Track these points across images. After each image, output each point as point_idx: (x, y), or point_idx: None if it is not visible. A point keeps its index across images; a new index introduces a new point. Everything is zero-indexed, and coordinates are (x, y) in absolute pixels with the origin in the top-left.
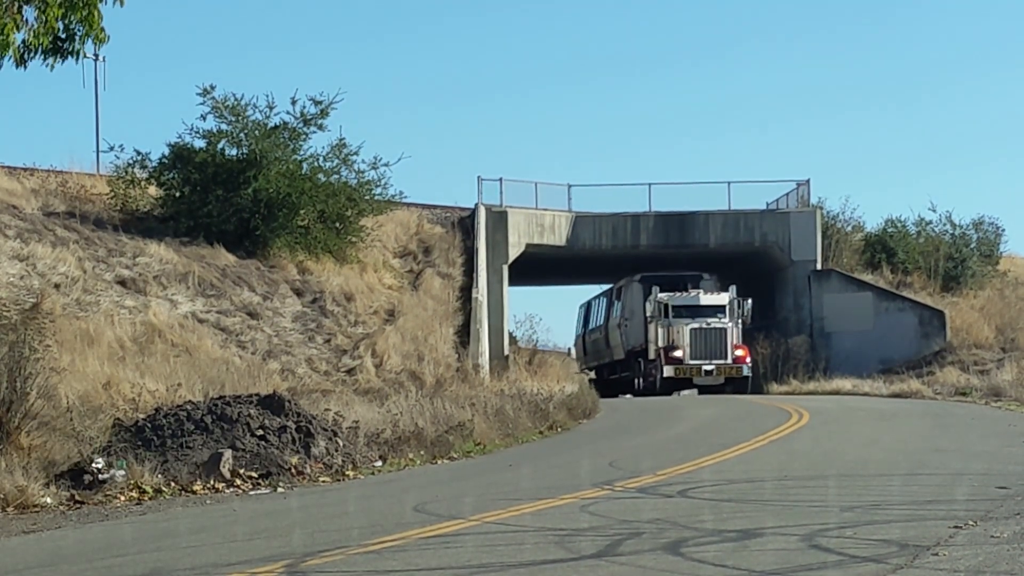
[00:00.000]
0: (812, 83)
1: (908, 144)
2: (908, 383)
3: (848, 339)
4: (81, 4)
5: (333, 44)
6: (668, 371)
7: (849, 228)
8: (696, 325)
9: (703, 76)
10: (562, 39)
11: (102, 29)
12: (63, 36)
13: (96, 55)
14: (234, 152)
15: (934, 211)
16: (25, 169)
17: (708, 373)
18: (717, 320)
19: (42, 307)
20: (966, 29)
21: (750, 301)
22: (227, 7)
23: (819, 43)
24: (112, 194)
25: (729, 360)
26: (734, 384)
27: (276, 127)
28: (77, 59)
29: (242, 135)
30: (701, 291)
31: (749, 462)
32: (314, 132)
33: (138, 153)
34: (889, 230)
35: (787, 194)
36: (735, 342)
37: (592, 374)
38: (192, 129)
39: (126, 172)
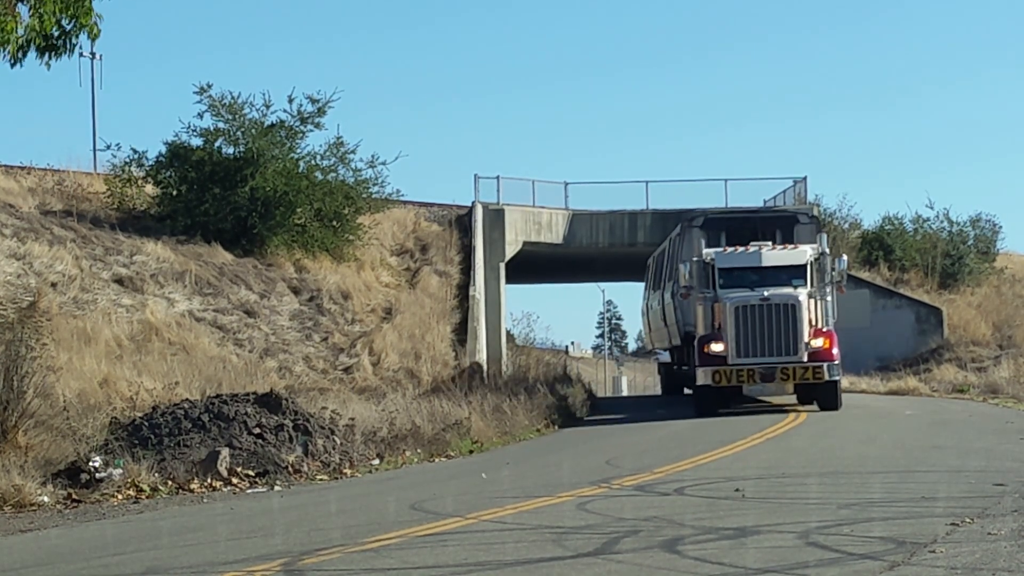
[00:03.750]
0: (810, 81)
1: (905, 142)
2: (905, 380)
3: (845, 336)
4: (76, 4)
5: (331, 43)
6: (703, 376)
7: (846, 226)
8: (747, 300)
9: (701, 74)
10: (559, 38)
11: (95, 24)
12: (56, 33)
13: (93, 54)
14: (231, 150)
15: (931, 208)
16: (22, 167)
17: (767, 377)
18: (786, 291)
19: (39, 306)
20: (964, 28)
21: (844, 259)
22: (224, 5)
23: (817, 41)
24: (109, 193)
25: (802, 355)
26: (814, 394)
27: (273, 125)
28: (71, 55)
29: (239, 133)
30: (767, 245)
31: (746, 459)
32: (311, 130)
33: (135, 151)
34: (886, 227)
35: (784, 191)
36: (816, 326)
37: (666, 356)
38: (189, 127)
39: (123, 170)
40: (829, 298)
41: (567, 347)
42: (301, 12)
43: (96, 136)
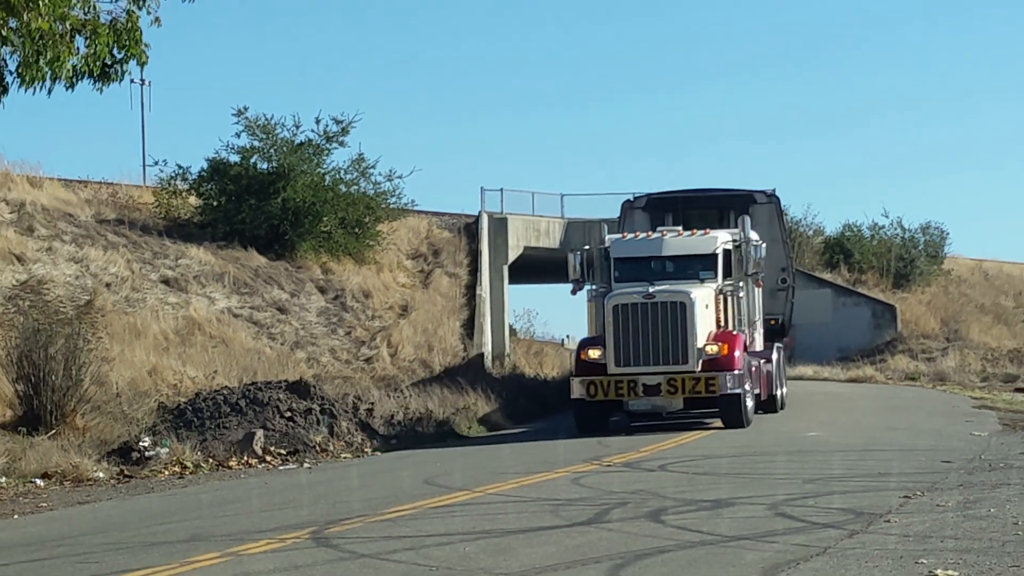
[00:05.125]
0: (784, 106)
1: (864, 158)
2: (863, 369)
3: (810, 330)
4: (126, 34)
5: (353, 70)
6: (577, 388)
7: (811, 232)
8: (628, 298)
9: (688, 98)
10: (557, 64)
11: (143, 53)
12: (109, 62)
13: (142, 80)
14: (265, 166)
15: (886, 217)
16: (80, 181)
17: (652, 390)
18: (678, 287)
19: (95, 304)
20: (913, 65)
21: (763, 247)
22: (258, 37)
23: (786, 73)
24: (157, 203)
25: (693, 364)
26: (711, 407)
27: (302, 144)
28: (121, 81)
29: (272, 151)
30: (674, 231)
31: (723, 439)
32: (336, 148)
33: (180, 167)
34: (846, 234)
35: None
36: (725, 327)
37: None
38: (228, 145)
39: (169, 184)
40: (743, 295)
41: (563, 340)
42: (326, 42)
43: (145, 153)
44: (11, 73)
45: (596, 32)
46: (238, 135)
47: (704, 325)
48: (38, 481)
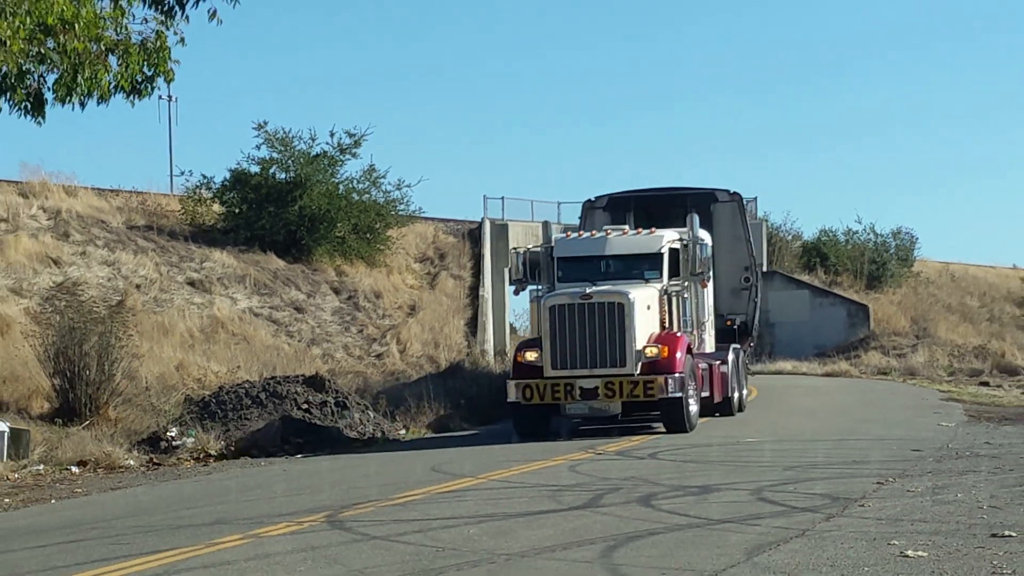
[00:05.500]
0: (765, 118)
1: (840, 167)
2: (838, 364)
3: (789, 328)
4: (155, 53)
5: (365, 85)
6: (513, 391)
7: (790, 237)
8: (564, 298)
9: (680, 114)
10: (556, 81)
11: (171, 70)
12: (139, 79)
13: (170, 96)
14: (283, 176)
15: (860, 223)
16: (111, 190)
17: (589, 394)
18: (618, 287)
19: (126, 304)
20: (889, 82)
21: (708, 244)
22: (276, 56)
23: (771, 89)
24: (183, 211)
25: (632, 366)
26: (652, 411)
27: (318, 155)
28: (151, 96)
29: (290, 162)
30: (620, 229)
31: (709, 429)
32: (349, 159)
33: (204, 177)
34: (823, 238)
35: None
36: (670, 329)
37: None
38: (249, 157)
39: (194, 193)
40: (688, 295)
41: None
42: (340, 59)
43: (172, 164)
44: (48, 89)
45: (593, 50)
46: (258, 147)
47: (644, 326)
48: (74, 468)
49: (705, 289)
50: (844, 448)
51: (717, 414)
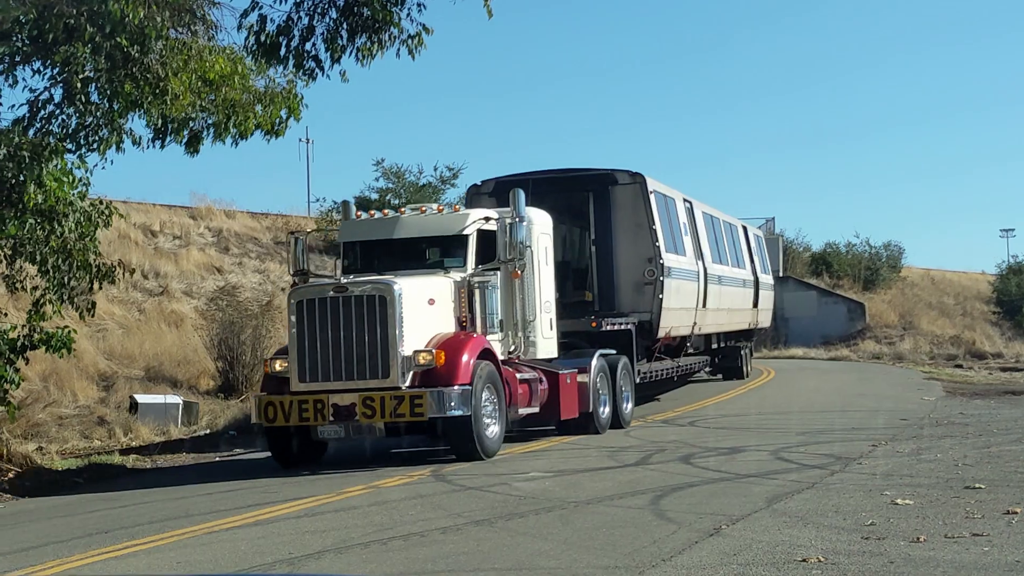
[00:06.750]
0: (781, 136)
1: (843, 187)
2: (840, 351)
3: (800, 322)
4: (292, 99)
5: (462, 123)
6: (255, 411)
7: (801, 248)
8: (315, 292)
9: (703, 125)
10: (579, 106)
11: (299, 111)
12: (278, 121)
13: (307, 139)
14: (396, 202)
15: (857, 237)
16: (262, 213)
17: (344, 413)
18: (384, 277)
19: (273, 303)
20: (889, 91)
21: (525, 227)
22: (395, 98)
23: (784, 105)
24: (318, 229)
25: (397, 378)
26: (431, 431)
27: (424, 185)
28: (284, 135)
29: (401, 190)
30: (417, 210)
31: (737, 403)
32: (449, 188)
33: (335, 203)
34: (827, 250)
35: (759, 227)
36: (442, 331)
37: None
38: (369, 187)
39: (327, 215)
40: (501, 288)
41: None
42: (440, 101)
43: (309, 192)
44: (207, 131)
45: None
46: (376, 179)
47: (422, 326)
48: (232, 433)
49: (540, 280)
50: (845, 417)
51: (582, 432)
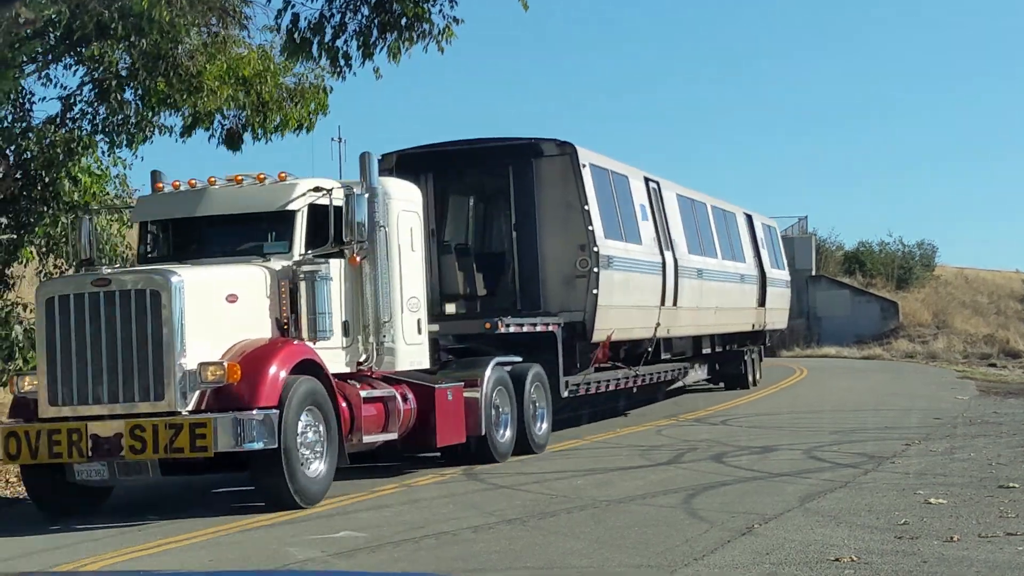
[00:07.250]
0: (809, 149)
1: (876, 187)
2: (873, 350)
3: (833, 321)
4: (318, 99)
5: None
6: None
7: (833, 247)
8: (70, 287)
9: (729, 131)
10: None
11: (327, 107)
12: (308, 115)
13: (340, 138)
14: None
15: (891, 236)
16: None
17: (107, 448)
18: (161, 268)
19: None
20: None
21: (365, 199)
22: (416, 106)
23: (822, 120)
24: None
25: (175, 399)
26: (240, 470)
27: None
28: (312, 130)
29: None
30: (233, 182)
31: (768, 401)
32: None
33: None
34: (860, 248)
35: (791, 225)
36: (248, 337)
37: None
38: None
39: None
40: (329, 279)
41: None
42: (473, 96)
43: None
44: (244, 128)
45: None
46: None
47: (214, 332)
48: None
49: (402, 270)
50: (878, 416)
51: (476, 463)
